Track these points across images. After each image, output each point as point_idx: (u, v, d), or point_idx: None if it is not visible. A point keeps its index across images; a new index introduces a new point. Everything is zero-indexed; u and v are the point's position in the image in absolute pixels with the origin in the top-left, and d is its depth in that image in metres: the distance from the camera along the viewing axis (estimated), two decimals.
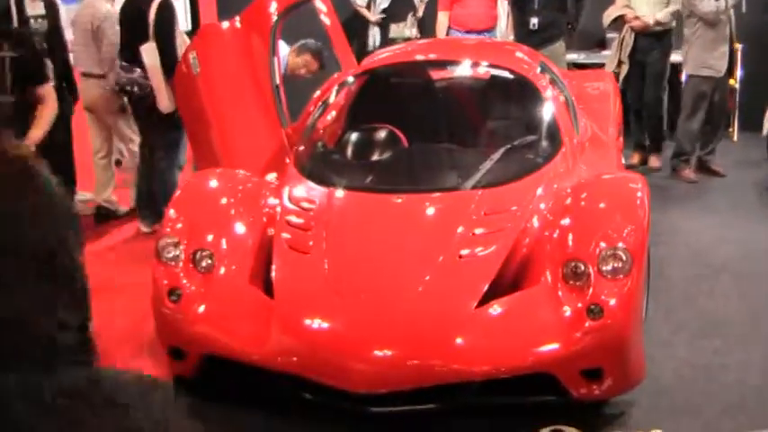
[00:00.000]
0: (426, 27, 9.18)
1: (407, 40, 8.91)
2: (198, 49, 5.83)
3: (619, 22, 8.12)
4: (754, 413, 4.18)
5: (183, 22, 8.76)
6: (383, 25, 9.48)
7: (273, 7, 5.65)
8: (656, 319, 4.92)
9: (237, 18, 5.90)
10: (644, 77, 8.05)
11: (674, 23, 7.98)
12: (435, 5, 8.68)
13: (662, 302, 5.15)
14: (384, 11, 9.44)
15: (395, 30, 9.41)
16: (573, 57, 9.44)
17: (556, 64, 6.23)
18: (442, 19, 8.35)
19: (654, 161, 8.23)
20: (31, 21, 6.56)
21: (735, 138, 8.87)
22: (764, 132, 7.82)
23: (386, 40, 9.29)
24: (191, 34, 7.59)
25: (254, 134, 5.62)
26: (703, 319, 5.18)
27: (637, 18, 7.90)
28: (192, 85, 5.81)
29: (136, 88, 6.33)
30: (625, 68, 8.08)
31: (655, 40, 7.97)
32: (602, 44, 10.23)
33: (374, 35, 9.47)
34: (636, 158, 8.25)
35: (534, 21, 8.31)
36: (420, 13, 9.35)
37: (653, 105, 8.15)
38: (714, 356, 4.75)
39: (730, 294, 5.55)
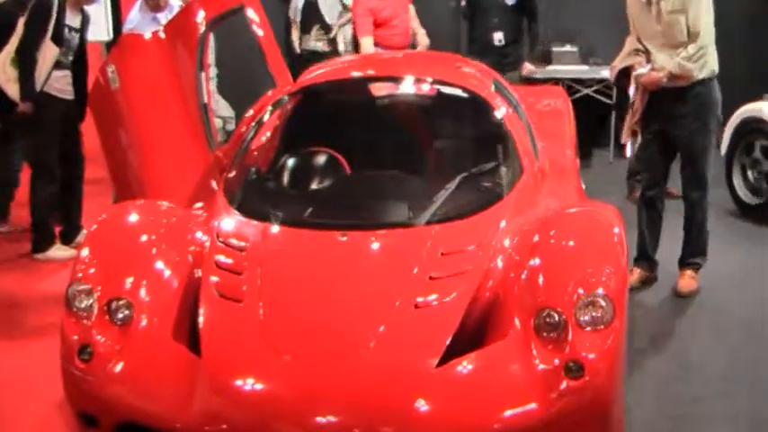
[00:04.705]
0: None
1: (314, 53, 8.75)
2: (117, 61, 5.31)
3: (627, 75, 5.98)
4: None
5: (104, 31, 8.22)
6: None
7: (201, 17, 5.14)
8: None
9: (162, 28, 5.36)
10: (665, 153, 5.75)
11: (702, 72, 5.48)
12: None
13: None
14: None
15: (304, 41, 9.15)
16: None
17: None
18: (367, 44, 7.84)
19: (687, 282, 5.76)
20: (66, 31, 6.44)
21: None
22: (723, 151, 7.49)
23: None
24: (111, 45, 7.12)
25: (179, 158, 5.11)
26: (675, 362, 4.74)
27: (654, 69, 5.50)
28: (109, 101, 5.29)
29: None
30: (638, 140, 6.04)
31: (681, 101, 5.53)
32: (547, 58, 9.89)
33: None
34: (635, 275, 5.75)
35: (499, 36, 7.94)
36: (332, 34, 8.98)
37: (692, 202, 5.74)
38: (693, 406, 4.31)
39: (703, 331, 5.14)
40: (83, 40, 6.65)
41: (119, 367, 3.52)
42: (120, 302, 3.66)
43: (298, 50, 9.12)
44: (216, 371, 3.41)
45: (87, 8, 6.74)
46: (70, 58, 6.53)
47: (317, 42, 9.08)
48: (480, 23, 8.17)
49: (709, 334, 5.16)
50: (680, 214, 5.84)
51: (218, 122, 7.93)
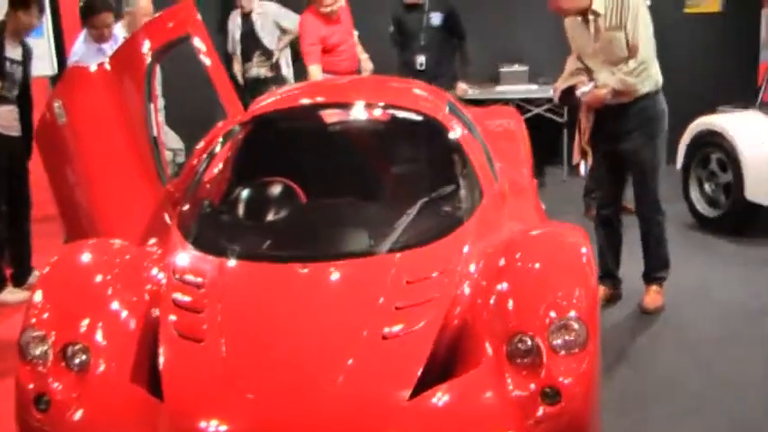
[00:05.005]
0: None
1: (258, 80, 8.86)
2: (63, 96, 5.14)
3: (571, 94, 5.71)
4: None
5: (49, 66, 8.06)
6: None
7: (147, 47, 5.00)
8: None
9: (107, 60, 5.22)
10: (617, 171, 5.74)
11: (645, 86, 5.44)
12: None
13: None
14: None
15: (247, 69, 9.20)
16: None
17: None
18: (315, 71, 7.75)
19: (652, 297, 5.75)
20: (7, 64, 6.30)
21: None
22: (678, 165, 7.48)
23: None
24: (56, 79, 6.95)
25: (129, 194, 4.97)
26: (648, 380, 4.67)
27: (597, 87, 5.44)
28: (57, 137, 5.14)
29: None
30: (589, 159, 5.83)
31: (626, 116, 5.49)
32: (495, 79, 9.86)
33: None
34: (600, 293, 4.68)
35: (421, 59, 7.89)
36: (274, 59, 9.05)
37: (646, 218, 5.73)
38: (671, 424, 4.24)
39: (672, 347, 5.08)
40: (26, 73, 6.48)
41: (77, 416, 3.36)
42: (76, 347, 3.50)
43: (242, 81, 9.04)
44: (178, 413, 3.27)
45: (29, 42, 6.58)
46: (15, 92, 6.36)
47: (259, 69, 9.05)
48: (407, 47, 8.14)
49: (677, 349, 5.12)
50: (628, 231, 5.82)
51: (168, 155, 7.79)
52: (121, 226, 4.71)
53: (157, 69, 6.03)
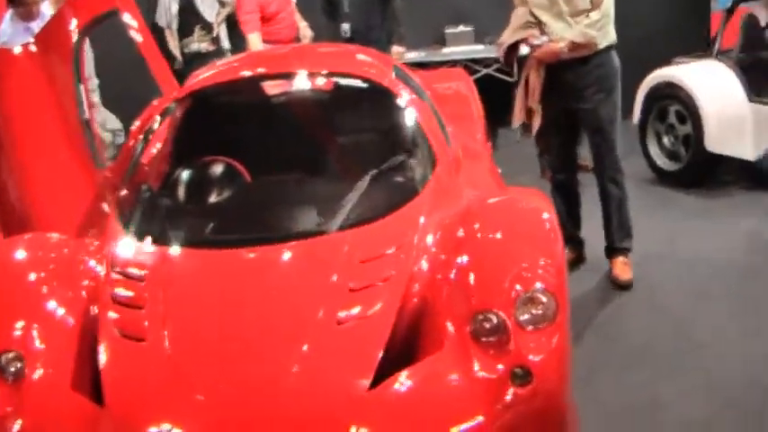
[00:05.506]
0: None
1: (198, 54, 8.43)
2: None
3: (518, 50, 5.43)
4: None
5: None
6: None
7: (74, 24, 4.70)
8: None
9: (32, 40, 4.92)
10: (570, 132, 5.56)
11: (604, 40, 5.21)
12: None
13: None
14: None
15: (186, 44, 8.74)
16: (412, 56, 8.78)
17: None
18: (255, 40, 7.45)
19: (621, 269, 5.44)
20: None
21: None
22: (635, 120, 7.31)
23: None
24: None
25: (64, 182, 4.67)
26: (620, 348, 4.49)
27: (552, 41, 5.18)
28: None
29: None
30: (538, 120, 5.43)
31: (583, 71, 5.24)
32: (440, 41, 9.63)
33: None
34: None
35: (345, 27, 7.59)
36: (215, 33, 8.65)
37: (605, 178, 5.45)
38: (642, 391, 4.06)
39: (642, 310, 4.90)
40: None
41: (16, 429, 3.09)
42: (10, 355, 3.22)
43: (179, 57, 8.70)
44: (121, 420, 3.02)
45: None
46: None
47: (200, 44, 8.69)
48: (333, 16, 7.80)
49: (647, 312, 4.95)
50: (585, 190, 5.62)
51: (107, 137, 7.52)
52: (58, 218, 4.45)
53: (87, 47, 5.73)
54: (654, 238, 5.94)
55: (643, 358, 4.42)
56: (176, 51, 8.74)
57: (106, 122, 7.71)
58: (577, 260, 5.62)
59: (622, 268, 5.43)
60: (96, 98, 7.34)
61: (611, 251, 5.50)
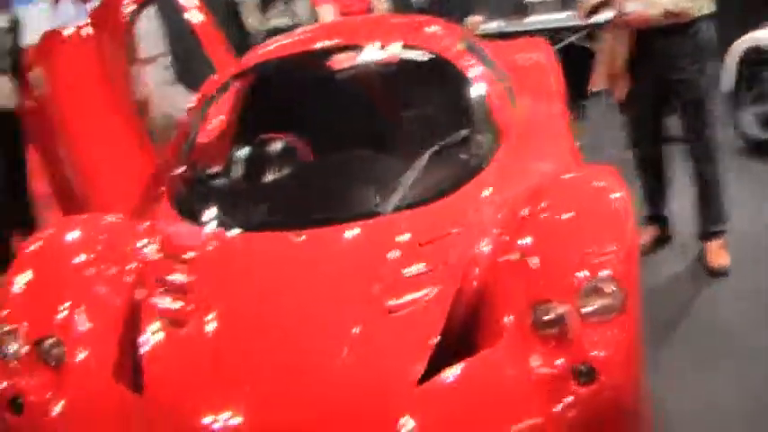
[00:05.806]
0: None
1: (278, 30, 7.62)
2: (42, 63, 4.71)
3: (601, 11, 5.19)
4: None
5: None
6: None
7: (126, 2, 4.57)
8: None
9: (86, 20, 4.80)
10: (659, 104, 5.18)
11: (702, 9, 4.89)
12: None
13: None
14: None
15: (263, 22, 8.30)
16: (492, 26, 8.45)
17: None
18: (327, 12, 7.22)
19: (716, 253, 5.04)
20: None
21: None
22: (724, 89, 6.95)
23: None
24: None
25: (119, 163, 4.54)
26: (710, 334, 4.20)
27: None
28: (39, 108, 4.71)
29: None
30: (622, 87, 5.15)
31: (680, 38, 4.90)
32: (522, 9, 9.29)
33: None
34: (648, 235, 5.27)
35: None
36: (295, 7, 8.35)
37: (701, 155, 5.08)
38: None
39: (731, 299, 4.55)
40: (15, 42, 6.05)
41: (55, 414, 3.01)
42: (51, 340, 3.14)
43: (262, 30, 8.51)
44: (161, 409, 2.89)
45: (21, 10, 6.17)
46: (7, 61, 5.93)
47: (280, 20, 8.50)
48: None
49: (738, 300, 4.56)
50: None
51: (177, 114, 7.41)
52: (115, 198, 4.34)
53: (157, 24, 5.59)
54: (747, 214, 5.52)
55: (730, 347, 4.09)
56: (254, 25, 8.55)
57: (179, 101, 7.60)
58: (662, 239, 5.29)
59: (717, 252, 5.04)
60: (169, 75, 7.24)
61: (705, 235, 5.14)
